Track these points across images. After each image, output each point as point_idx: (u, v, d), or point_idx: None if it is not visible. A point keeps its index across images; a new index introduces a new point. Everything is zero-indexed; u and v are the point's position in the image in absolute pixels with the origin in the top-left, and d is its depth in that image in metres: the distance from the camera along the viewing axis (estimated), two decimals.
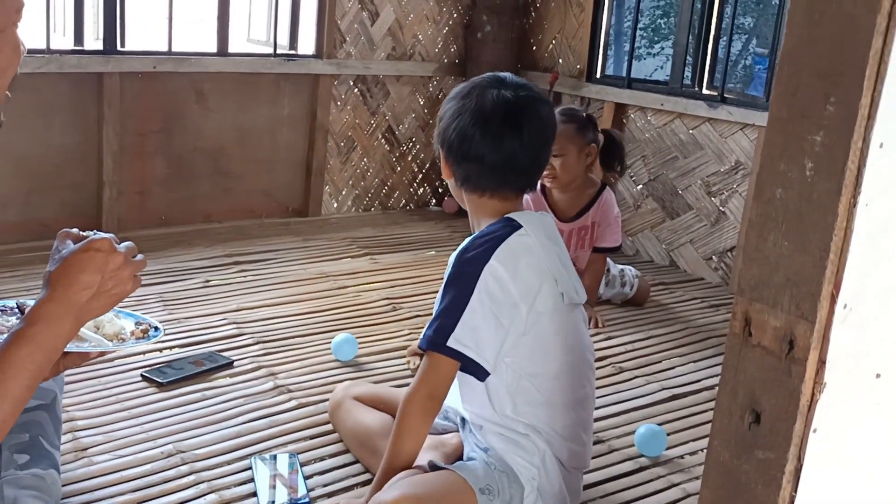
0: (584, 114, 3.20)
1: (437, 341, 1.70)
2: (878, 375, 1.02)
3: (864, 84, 0.89)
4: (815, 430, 0.98)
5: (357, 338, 2.87)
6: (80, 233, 1.30)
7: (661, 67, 6.76)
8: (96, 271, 1.20)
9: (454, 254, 1.77)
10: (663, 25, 7.48)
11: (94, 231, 1.31)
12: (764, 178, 0.99)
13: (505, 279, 1.68)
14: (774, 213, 0.98)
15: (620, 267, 3.45)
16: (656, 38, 7.53)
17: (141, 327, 2.79)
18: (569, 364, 1.78)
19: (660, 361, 2.89)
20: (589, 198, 3.26)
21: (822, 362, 0.97)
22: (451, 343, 1.68)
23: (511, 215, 1.76)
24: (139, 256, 1.29)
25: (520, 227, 1.73)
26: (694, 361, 2.91)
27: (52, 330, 1.17)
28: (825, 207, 0.93)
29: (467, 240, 1.77)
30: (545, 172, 3.08)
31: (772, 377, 0.99)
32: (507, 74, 1.81)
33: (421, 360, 2.53)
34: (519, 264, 1.70)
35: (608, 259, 3.38)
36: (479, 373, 1.71)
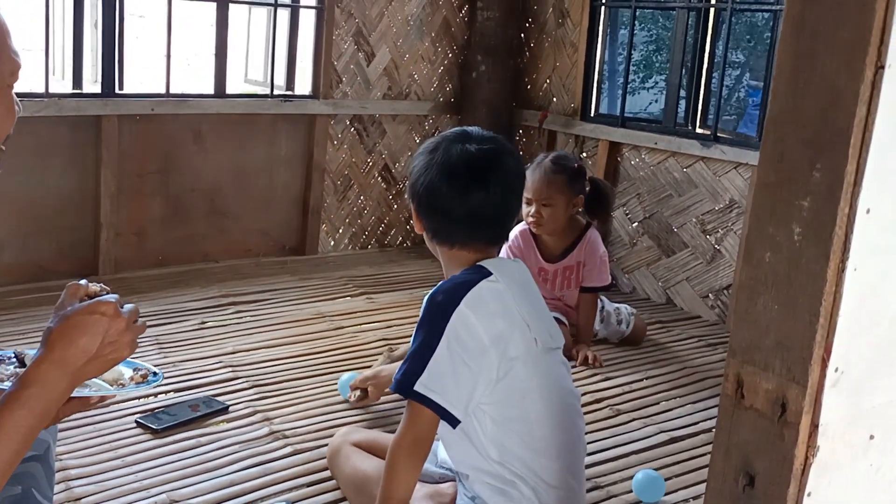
0: (576, 164, 3.24)
1: (404, 386, 1.71)
2: (871, 437, 1.03)
3: (849, 152, 0.90)
4: (808, 494, 0.98)
5: None
6: (90, 286, 1.28)
7: (656, 101, 6.81)
8: (97, 335, 1.19)
9: (426, 296, 1.78)
10: (656, 60, 7.55)
11: (102, 288, 1.30)
12: (753, 240, 1.00)
13: (474, 325, 1.69)
14: (764, 277, 0.98)
15: (616, 305, 3.46)
16: (650, 73, 7.59)
17: (140, 373, 2.78)
18: (549, 409, 1.78)
19: (657, 403, 2.88)
20: (574, 237, 3.29)
21: (814, 426, 0.97)
22: (418, 388, 1.69)
23: (482, 263, 1.78)
24: (139, 321, 1.29)
25: (489, 273, 1.75)
26: (692, 403, 2.90)
27: (47, 394, 1.17)
28: (814, 272, 0.94)
29: (438, 284, 1.79)
30: (531, 219, 3.16)
31: (765, 440, 0.99)
32: (475, 129, 1.85)
33: (360, 393, 2.61)
34: (489, 310, 1.71)
35: (602, 297, 3.39)
36: (449, 419, 1.71)
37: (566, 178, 3.16)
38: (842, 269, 0.93)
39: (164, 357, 2.96)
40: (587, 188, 3.25)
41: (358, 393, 2.64)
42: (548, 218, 3.16)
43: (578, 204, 3.23)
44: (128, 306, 1.25)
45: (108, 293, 1.28)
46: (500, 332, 1.71)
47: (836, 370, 0.96)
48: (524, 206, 3.12)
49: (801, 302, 0.95)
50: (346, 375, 2.75)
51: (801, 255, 0.95)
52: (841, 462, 1.00)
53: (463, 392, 1.70)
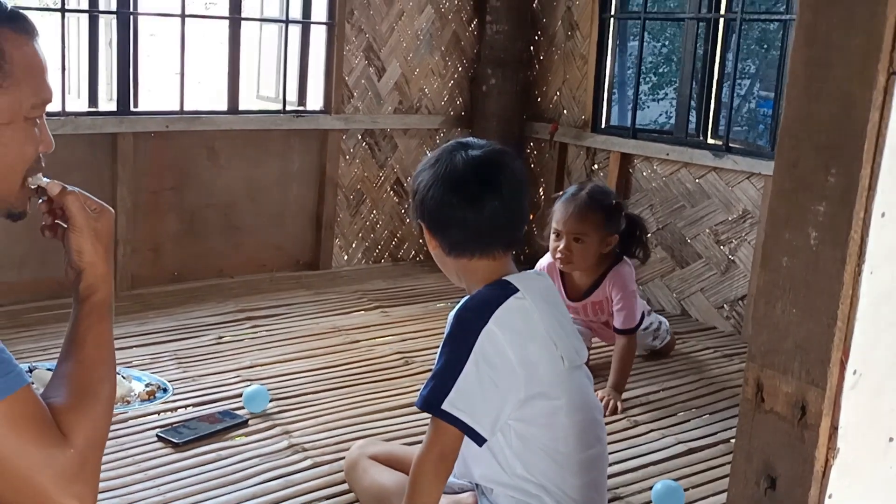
0: (614, 200, 3.01)
1: (432, 403, 1.70)
2: (890, 439, 1.03)
3: (863, 156, 0.92)
4: (830, 496, 0.99)
5: (370, 394, 2.88)
6: (46, 181, 1.28)
7: (667, 112, 6.82)
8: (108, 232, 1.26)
9: (452, 311, 1.78)
10: (666, 71, 7.58)
11: (49, 181, 1.29)
12: (770, 246, 1.01)
13: (503, 345, 1.68)
14: (781, 281, 1.00)
15: (659, 319, 3.36)
16: (660, 84, 7.62)
17: (148, 388, 2.81)
18: (575, 425, 1.78)
19: (675, 414, 2.88)
20: (601, 271, 3.02)
21: (834, 428, 0.98)
22: (445, 407, 1.68)
23: (507, 278, 1.76)
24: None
25: (516, 290, 1.73)
26: (710, 413, 2.90)
27: (109, 308, 1.25)
28: (831, 276, 0.95)
29: (464, 300, 1.78)
30: (559, 255, 2.90)
31: (785, 443, 1.01)
32: (470, 138, 1.86)
33: None
34: (517, 329, 1.70)
35: (645, 310, 3.18)
36: (476, 438, 1.71)
37: (603, 215, 2.89)
38: (858, 273, 0.94)
39: (183, 372, 2.99)
40: (623, 226, 2.97)
41: None
42: (577, 255, 2.89)
43: (612, 243, 2.94)
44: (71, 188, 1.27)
45: (47, 179, 1.28)
46: (528, 353, 1.70)
47: (855, 372, 0.97)
48: (552, 239, 2.92)
49: (819, 305, 0.96)
50: (252, 388, 2.73)
51: (818, 260, 0.96)
52: (861, 464, 1.01)
53: (490, 411, 1.69)
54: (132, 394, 2.70)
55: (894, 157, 0.93)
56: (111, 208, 1.30)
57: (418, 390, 2.88)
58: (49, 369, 2.54)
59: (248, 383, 2.90)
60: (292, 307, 3.78)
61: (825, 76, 0.94)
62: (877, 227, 0.94)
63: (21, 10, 1.23)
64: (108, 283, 1.26)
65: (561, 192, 3.01)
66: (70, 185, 1.28)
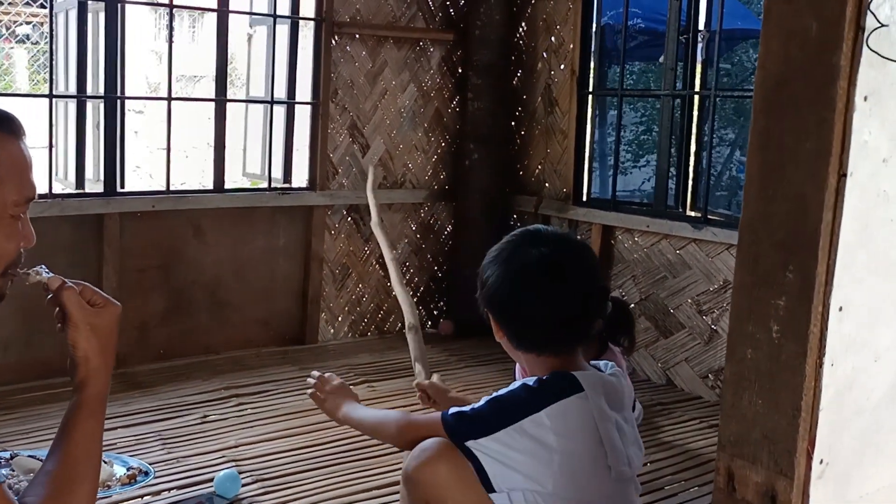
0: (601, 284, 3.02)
1: (457, 435, 1.70)
2: None
3: (818, 254, 0.96)
4: None
5: (355, 473, 2.87)
6: (43, 277, 1.32)
7: (648, 180, 6.93)
8: (113, 329, 1.29)
9: (520, 381, 1.76)
10: (647, 139, 7.71)
11: (48, 273, 1.34)
12: (734, 338, 1.05)
13: (547, 430, 1.66)
14: (747, 373, 1.03)
15: (640, 405, 3.34)
16: (641, 153, 7.74)
17: (129, 472, 2.79)
18: None
19: (662, 488, 2.88)
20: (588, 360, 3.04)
21: None
22: (469, 444, 1.68)
23: (576, 374, 1.72)
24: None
25: (580, 389, 1.70)
26: (698, 486, 2.90)
27: (103, 400, 1.28)
28: (793, 368, 0.99)
29: (531, 379, 1.75)
30: None
31: None
32: (540, 227, 1.86)
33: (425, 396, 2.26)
34: (568, 425, 1.68)
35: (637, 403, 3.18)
36: (486, 483, 1.68)
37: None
38: (819, 365, 0.98)
39: (168, 453, 2.97)
40: (608, 309, 3.06)
41: (421, 394, 2.38)
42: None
43: (597, 327, 3.01)
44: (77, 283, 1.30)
45: (48, 273, 1.32)
46: (572, 450, 1.67)
47: (822, 462, 1.00)
48: None
49: (784, 397, 1.00)
50: (224, 473, 2.71)
51: (781, 352, 1.00)
52: None
53: (510, 480, 1.67)
54: (113, 478, 2.69)
55: (849, 254, 0.97)
56: (117, 303, 1.32)
57: None
58: (31, 456, 2.53)
59: (233, 464, 2.88)
60: (278, 383, 3.78)
61: (780, 178, 0.99)
62: (835, 321, 0.98)
63: (8, 112, 1.27)
64: (100, 377, 1.27)
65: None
66: (73, 281, 1.31)
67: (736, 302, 1.04)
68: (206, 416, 3.36)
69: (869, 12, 0.96)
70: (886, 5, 0.98)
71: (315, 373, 2.13)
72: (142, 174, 6.90)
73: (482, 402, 1.74)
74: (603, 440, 1.69)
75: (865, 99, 0.95)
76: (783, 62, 0.98)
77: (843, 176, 0.95)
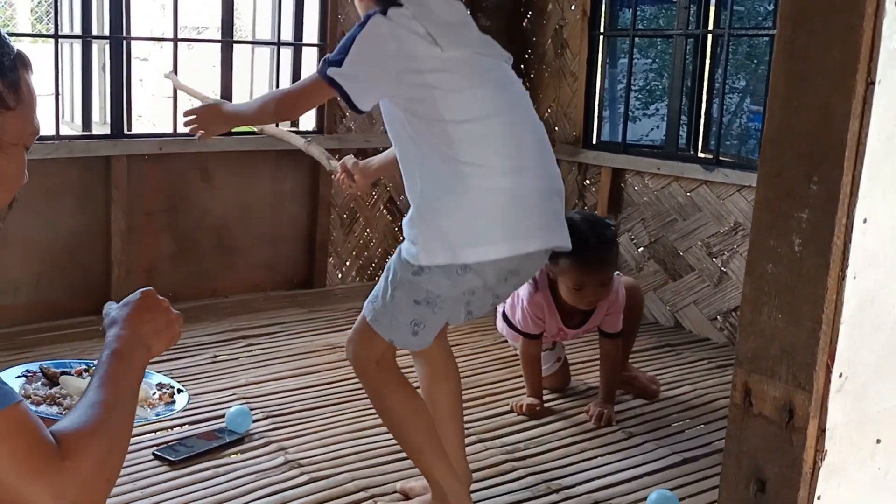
0: (612, 225, 3.02)
1: (329, 67, 2.01)
2: (878, 441, 1.05)
3: (844, 164, 0.94)
4: (818, 497, 1.01)
5: (365, 410, 2.89)
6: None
7: (657, 127, 6.87)
8: (156, 309, 1.27)
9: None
10: (657, 86, 7.64)
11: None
12: (755, 254, 1.03)
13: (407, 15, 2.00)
14: (767, 288, 1.02)
15: None
16: (651, 99, 7.67)
17: (165, 390, 2.78)
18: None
19: (669, 425, 2.90)
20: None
21: (821, 430, 1.00)
22: (331, 73, 1.99)
23: None
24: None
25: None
26: (705, 424, 2.92)
27: (135, 366, 1.23)
28: (815, 281, 0.98)
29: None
30: (587, 299, 2.83)
31: (774, 446, 1.03)
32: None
33: (344, 176, 2.59)
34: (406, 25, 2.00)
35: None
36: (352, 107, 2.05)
37: (615, 249, 2.94)
38: (842, 278, 0.97)
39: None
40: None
41: (342, 175, 2.54)
42: (605, 293, 2.86)
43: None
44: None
45: None
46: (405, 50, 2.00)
47: (841, 375, 0.99)
48: (571, 292, 2.80)
49: (804, 310, 0.99)
50: (235, 409, 2.73)
51: (802, 266, 0.98)
52: (849, 466, 1.03)
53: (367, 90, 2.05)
54: (154, 395, 2.65)
55: (874, 164, 0.95)
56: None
57: None
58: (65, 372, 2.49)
59: (244, 401, 2.91)
60: (287, 325, 3.79)
61: (805, 88, 0.97)
62: (859, 233, 0.96)
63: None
64: (132, 362, 1.25)
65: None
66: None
67: (757, 216, 1.03)
68: (216, 357, 3.38)
69: None
70: None
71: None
72: (145, 122, 6.83)
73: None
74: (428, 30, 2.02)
75: None
76: None
77: (870, 84, 0.93)
